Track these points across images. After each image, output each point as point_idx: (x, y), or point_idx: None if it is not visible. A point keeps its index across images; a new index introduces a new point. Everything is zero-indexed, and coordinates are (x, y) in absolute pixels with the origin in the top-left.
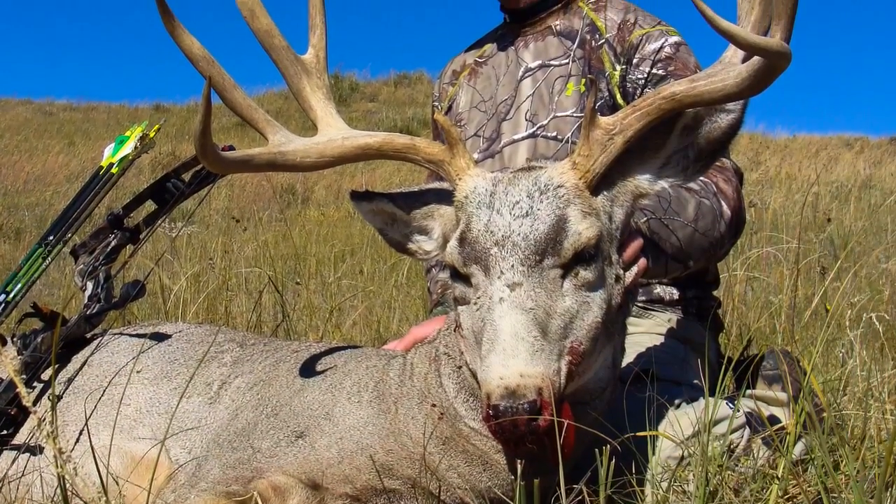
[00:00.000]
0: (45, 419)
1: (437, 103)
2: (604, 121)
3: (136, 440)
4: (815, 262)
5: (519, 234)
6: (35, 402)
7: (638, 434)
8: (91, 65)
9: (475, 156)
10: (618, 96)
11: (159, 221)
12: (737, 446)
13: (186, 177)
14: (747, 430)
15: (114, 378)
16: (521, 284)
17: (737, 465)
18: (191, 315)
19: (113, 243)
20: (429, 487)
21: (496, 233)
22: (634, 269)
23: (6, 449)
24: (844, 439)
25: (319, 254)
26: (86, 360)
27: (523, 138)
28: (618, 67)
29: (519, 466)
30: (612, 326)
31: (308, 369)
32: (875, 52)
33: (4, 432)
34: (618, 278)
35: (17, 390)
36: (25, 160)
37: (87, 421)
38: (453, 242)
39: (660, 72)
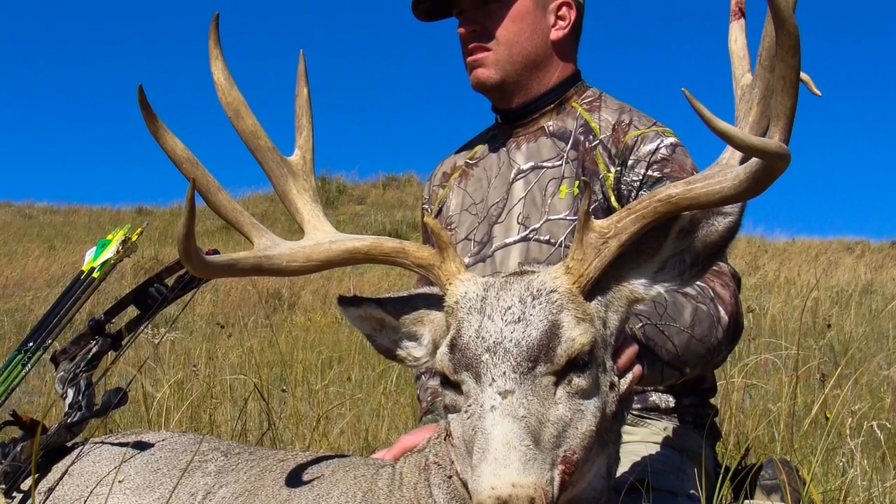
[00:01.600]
0: None
1: (426, 206)
2: (598, 224)
3: None
4: (814, 369)
5: (511, 341)
6: None
7: None
8: (72, 167)
9: (466, 260)
10: (612, 199)
11: (142, 327)
12: None
13: (170, 281)
14: None
15: (95, 488)
16: (513, 392)
17: None
18: (174, 423)
19: (94, 350)
20: None
21: (487, 339)
22: (629, 376)
23: None
24: None
25: (306, 360)
26: (66, 470)
27: (515, 242)
28: (612, 169)
29: None
30: (607, 435)
31: (295, 479)
32: (875, 154)
33: None
34: (612, 386)
35: None
36: (5, 264)
37: None
38: (443, 349)
39: (655, 174)
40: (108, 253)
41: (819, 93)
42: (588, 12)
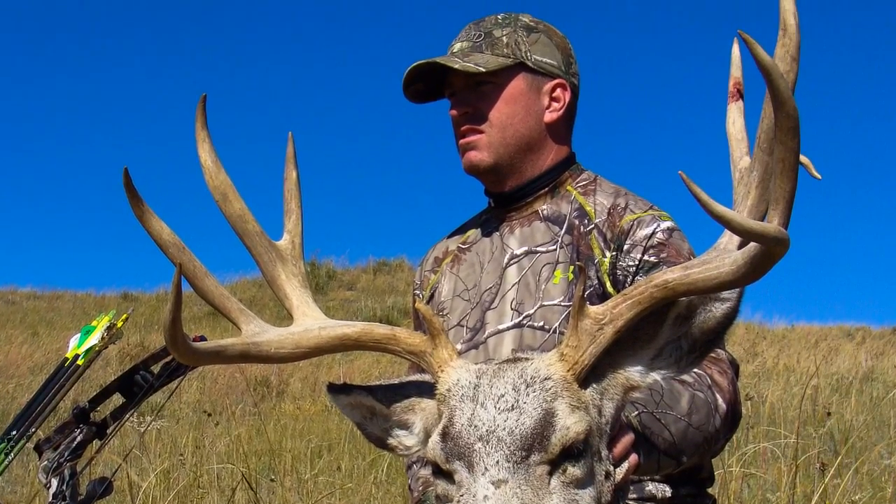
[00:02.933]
0: None
1: (418, 291)
2: (593, 310)
3: None
4: (814, 458)
5: (504, 429)
6: None
7: None
8: (55, 251)
9: (458, 346)
10: (608, 284)
11: (127, 415)
12: None
13: (156, 368)
14: None
15: None
16: (506, 482)
17: None
18: None
19: (79, 438)
20: None
21: (480, 427)
22: (625, 465)
23: None
24: None
25: (295, 449)
26: None
27: (509, 328)
28: (608, 254)
29: None
30: None
31: None
32: (876, 240)
33: None
34: (608, 475)
35: None
36: None
37: None
38: (435, 437)
39: (652, 258)
40: (93, 339)
41: (819, 176)
42: (582, 92)
